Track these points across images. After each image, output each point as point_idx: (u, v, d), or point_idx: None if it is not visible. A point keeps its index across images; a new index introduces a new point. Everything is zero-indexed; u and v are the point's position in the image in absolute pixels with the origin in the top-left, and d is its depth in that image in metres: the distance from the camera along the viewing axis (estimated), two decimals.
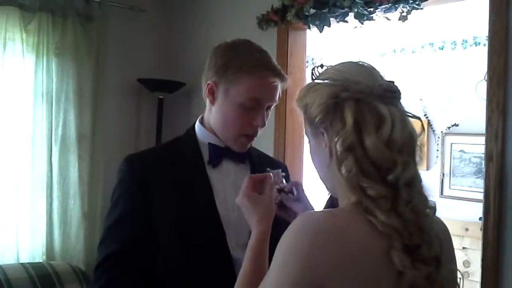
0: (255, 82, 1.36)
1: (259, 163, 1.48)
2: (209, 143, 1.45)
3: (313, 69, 1.06)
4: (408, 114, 0.99)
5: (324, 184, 1.09)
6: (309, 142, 1.09)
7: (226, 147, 1.46)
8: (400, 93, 1.00)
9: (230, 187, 1.43)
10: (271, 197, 1.26)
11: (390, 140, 0.93)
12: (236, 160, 1.47)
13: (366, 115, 0.95)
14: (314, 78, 1.05)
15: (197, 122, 1.51)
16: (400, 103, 1.00)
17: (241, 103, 1.37)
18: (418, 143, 0.98)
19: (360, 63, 1.04)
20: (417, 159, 0.98)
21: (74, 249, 3.10)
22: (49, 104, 3.05)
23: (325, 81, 1.01)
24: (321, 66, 1.06)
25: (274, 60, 1.42)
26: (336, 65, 1.06)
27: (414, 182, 0.95)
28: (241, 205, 1.26)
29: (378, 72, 1.03)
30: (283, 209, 1.36)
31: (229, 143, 1.44)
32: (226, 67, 1.38)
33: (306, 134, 1.09)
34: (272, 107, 1.45)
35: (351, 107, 0.95)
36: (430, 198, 0.98)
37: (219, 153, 1.45)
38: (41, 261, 2.97)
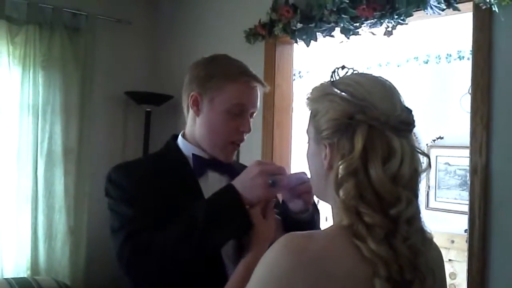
0: (238, 88, 1.41)
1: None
2: (193, 154, 1.46)
3: (334, 70, 1.01)
4: (417, 150, 0.96)
5: (314, 188, 1.09)
6: (308, 142, 1.06)
7: (210, 159, 1.46)
8: (414, 126, 0.96)
9: None
10: (273, 222, 1.34)
11: (397, 175, 0.91)
12: (220, 171, 1.48)
13: (376, 144, 0.91)
14: (332, 81, 1.00)
15: (180, 137, 1.52)
16: (411, 135, 0.96)
17: (227, 110, 1.41)
18: (421, 177, 0.96)
19: (382, 80, 1.00)
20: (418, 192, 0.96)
21: (59, 264, 3.06)
22: (35, 117, 3.03)
23: (343, 93, 0.96)
24: (343, 67, 1.01)
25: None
26: (358, 76, 1.00)
27: (415, 219, 0.92)
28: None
29: (399, 95, 0.99)
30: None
31: (216, 153, 1.45)
32: (209, 77, 1.42)
33: (307, 133, 1.06)
34: (254, 115, 1.48)
35: (363, 132, 0.92)
36: (426, 230, 0.96)
37: (203, 164, 1.46)
38: (25, 276, 2.93)
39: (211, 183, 1.45)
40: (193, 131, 1.48)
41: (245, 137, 1.47)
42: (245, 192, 1.29)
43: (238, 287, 1.18)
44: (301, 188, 1.37)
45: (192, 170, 1.45)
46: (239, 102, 1.41)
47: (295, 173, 1.39)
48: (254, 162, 1.33)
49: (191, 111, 1.47)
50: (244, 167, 1.60)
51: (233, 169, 1.50)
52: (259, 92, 1.46)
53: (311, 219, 1.44)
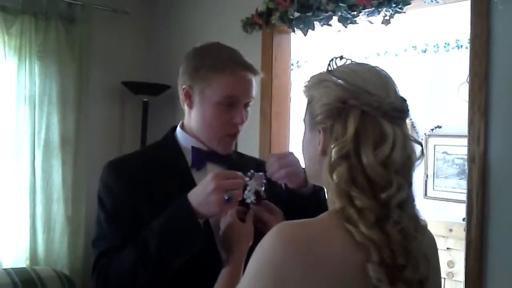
0: (227, 78, 1.37)
1: (240, 166, 1.46)
2: (192, 146, 1.45)
3: (332, 59, 1.02)
4: (410, 138, 0.97)
5: (308, 174, 1.10)
6: (304, 129, 1.08)
7: (209, 151, 1.46)
8: (408, 114, 0.98)
9: None
10: (251, 225, 1.36)
11: (388, 160, 0.92)
12: (219, 163, 1.47)
13: (368, 128, 0.93)
14: (329, 69, 1.02)
15: (178, 128, 1.51)
16: (405, 124, 0.98)
17: (218, 101, 1.38)
18: (415, 165, 0.96)
19: (378, 69, 1.01)
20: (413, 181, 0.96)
21: (58, 254, 3.07)
22: (32, 108, 3.02)
23: (338, 80, 0.98)
24: (341, 58, 1.02)
25: (245, 57, 1.43)
26: (354, 65, 1.02)
27: (407, 204, 0.93)
28: (226, 229, 1.34)
29: (394, 85, 1.00)
30: (261, 223, 1.39)
31: (213, 145, 1.45)
32: (197, 68, 1.40)
33: (303, 121, 1.07)
34: (250, 104, 1.45)
35: (355, 117, 0.93)
36: (420, 217, 0.97)
37: (202, 156, 1.45)
38: (24, 266, 2.93)
39: None
40: (189, 123, 1.48)
41: (240, 128, 1.44)
42: (200, 207, 1.25)
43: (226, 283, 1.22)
44: (275, 177, 1.40)
45: (187, 164, 1.44)
46: (229, 93, 1.38)
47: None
48: (210, 176, 1.27)
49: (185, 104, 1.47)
50: (242, 156, 1.60)
51: (232, 160, 1.49)
52: (254, 80, 1.42)
53: (314, 192, 1.43)
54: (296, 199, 1.45)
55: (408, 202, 0.94)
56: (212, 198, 1.24)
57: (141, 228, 1.31)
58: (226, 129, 1.42)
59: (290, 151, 1.41)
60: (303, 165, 1.35)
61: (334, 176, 0.93)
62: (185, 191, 1.32)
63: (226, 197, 1.25)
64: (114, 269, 1.31)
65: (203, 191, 1.26)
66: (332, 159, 0.94)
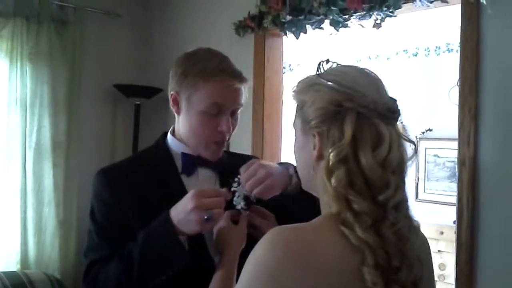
0: (213, 87, 1.35)
1: (231, 168, 1.44)
2: (182, 152, 1.45)
3: (320, 63, 1.01)
4: (403, 137, 0.98)
5: (302, 179, 1.09)
6: (295, 135, 1.07)
7: (199, 156, 1.45)
8: (400, 114, 0.98)
9: None
10: (244, 228, 1.36)
11: (385, 161, 0.92)
12: (210, 167, 1.47)
13: (365, 131, 0.93)
14: (318, 73, 1.01)
15: (169, 133, 1.51)
16: (397, 124, 0.98)
17: (203, 110, 1.37)
18: (408, 165, 0.97)
19: (368, 71, 1.01)
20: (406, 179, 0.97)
21: (49, 257, 3.05)
22: (23, 111, 3.00)
23: (330, 83, 0.97)
24: (327, 61, 1.02)
25: (234, 64, 1.41)
26: (343, 67, 1.02)
27: (402, 205, 0.94)
28: (219, 232, 1.35)
29: (384, 86, 1.00)
30: (252, 228, 1.38)
31: (201, 151, 1.44)
32: (184, 75, 1.39)
33: (293, 126, 1.06)
34: (239, 111, 1.44)
35: (352, 119, 0.93)
36: (413, 217, 0.97)
37: (192, 162, 1.44)
38: (15, 270, 2.92)
39: (202, 181, 1.45)
40: (178, 129, 1.47)
41: (227, 136, 1.42)
42: (180, 225, 1.25)
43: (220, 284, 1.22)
44: (258, 193, 1.34)
45: (178, 170, 1.44)
46: (215, 101, 1.36)
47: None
48: (191, 193, 1.26)
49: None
50: (232, 156, 1.58)
51: (223, 164, 1.49)
52: (243, 87, 1.40)
53: (297, 191, 1.37)
54: (285, 202, 1.43)
55: (403, 203, 0.94)
56: (192, 217, 1.23)
57: (131, 236, 1.31)
58: (212, 136, 1.41)
59: (256, 160, 1.38)
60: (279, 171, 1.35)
61: (333, 180, 0.93)
62: (175, 197, 1.31)
63: (206, 217, 1.24)
64: (102, 281, 1.32)
65: (184, 209, 1.25)
66: (331, 163, 0.93)
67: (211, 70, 1.36)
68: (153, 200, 1.36)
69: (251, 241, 1.07)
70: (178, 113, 1.44)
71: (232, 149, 1.51)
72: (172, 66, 1.45)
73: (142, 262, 1.26)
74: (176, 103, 1.43)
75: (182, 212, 1.25)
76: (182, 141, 1.46)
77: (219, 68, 1.37)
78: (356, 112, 0.93)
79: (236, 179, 1.39)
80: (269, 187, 1.34)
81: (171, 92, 1.44)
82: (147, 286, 1.27)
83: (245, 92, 1.42)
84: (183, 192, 1.34)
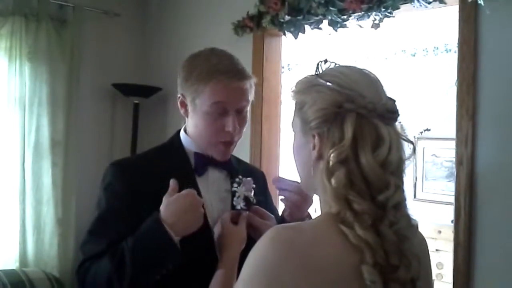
0: (212, 88, 1.36)
1: (237, 172, 1.48)
2: (195, 152, 1.46)
3: (318, 63, 1.02)
4: (402, 137, 0.98)
5: (301, 179, 1.10)
6: (294, 135, 1.07)
7: (210, 156, 1.46)
8: (399, 115, 0.99)
9: (215, 195, 1.45)
10: (244, 228, 1.37)
11: (386, 161, 0.92)
12: (220, 168, 1.48)
13: (365, 131, 0.93)
14: (317, 74, 1.01)
15: (182, 131, 1.51)
16: (395, 124, 0.98)
17: (206, 111, 1.38)
18: (406, 164, 0.97)
19: (367, 72, 1.02)
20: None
21: (48, 255, 3.05)
22: (22, 109, 3.00)
23: (329, 84, 0.98)
24: (325, 61, 1.02)
25: (236, 62, 1.41)
26: (342, 68, 1.02)
27: (401, 205, 0.94)
28: (219, 233, 1.37)
29: (382, 86, 1.01)
30: (252, 228, 1.39)
31: (210, 152, 1.45)
32: (186, 79, 1.40)
33: (292, 126, 1.07)
34: (246, 109, 1.43)
35: (352, 121, 0.93)
36: (412, 217, 0.98)
37: (204, 162, 1.46)
38: (14, 268, 2.92)
39: (211, 181, 1.47)
40: (189, 130, 1.49)
41: (236, 136, 1.43)
42: (180, 224, 1.26)
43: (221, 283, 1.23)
44: (284, 194, 1.46)
45: (192, 170, 1.45)
46: (215, 101, 1.36)
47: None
48: (186, 193, 1.29)
49: None
50: (239, 162, 1.60)
51: (231, 166, 1.50)
52: (247, 84, 1.40)
53: None
54: None
55: (402, 202, 0.95)
56: (197, 214, 1.28)
57: (132, 232, 1.31)
58: (219, 137, 1.41)
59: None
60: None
61: (333, 181, 0.93)
62: None
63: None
64: (92, 277, 1.32)
65: (181, 207, 1.27)
66: (331, 163, 0.93)
67: (207, 73, 1.36)
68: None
69: (251, 242, 1.08)
70: (187, 115, 1.46)
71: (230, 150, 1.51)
72: (179, 69, 1.45)
73: (134, 262, 1.26)
74: (184, 105, 1.44)
75: (181, 211, 1.27)
76: (194, 141, 1.47)
77: (215, 69, 1.36)
78: (356, 113, 0.94)
79: (237, 180, 1.40)
80: (300, 206, 1.47)
81: (178, 95, 1.45)
82: (142, 284, 1.28)
83: (251, 89, 1.42)
84: (196, 190, 1.35)
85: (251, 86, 1.42)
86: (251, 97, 1.43)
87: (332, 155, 0.94)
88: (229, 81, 1.36)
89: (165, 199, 1.30)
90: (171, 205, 1.28)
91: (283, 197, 1.47)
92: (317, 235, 0.92)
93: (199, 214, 1.28)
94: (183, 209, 1.26)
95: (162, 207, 1.29)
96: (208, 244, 1.37)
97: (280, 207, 1.62)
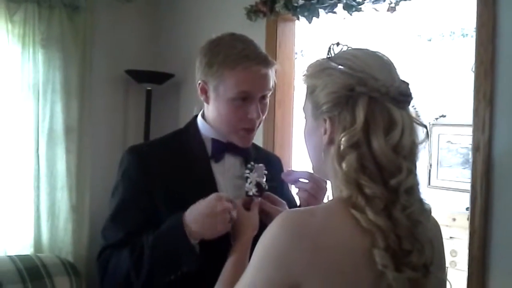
0: (239, 75, 1.34)
1: (256, 159, 1.48)
2: (212, 138, 1.46)
3: (330, 47, 1.01)
4: (415, 121, 0.97)
5: (312, 164, 1.09)
6: (305, 119, 1.06)
7: (228, 142, 1.46)
8: (412, 98, 0.97)
9: (230, 182, 1.45)
10: (256, 214, 1.36)
11: (398, 145, 0.91)
12: (237, 154, 1.48)
13: (377, 115, 0.92)
14: (329, 57, 1.00)
15: (199, 117, 1.51)
16: (409, 107, 0.97)
17: (231, 98, 1.37)
18: (419, 148, 0.96)
19: (379, 54, 1.00)
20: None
21: (62, 241, 3.08)
22: (36, 96, 3.02)
23: (341, 67, 0.96)
24: (337, 44, 1.01)
25: (259, 48, 1.40)
26: (354, 51, 1.01)
27: (414, 189, 0.93)
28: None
29: (395, 69, 0.99)
30: (264, 214, 1.39)
31: (232, 138, 1.44)
32: (210, 65, 1.38)
33: (303, 110, 1.06)
34: (269, 95, 1.43)
35: (364, 104, 0.92)
36: (425, 201, 0.96)
37: (221, 148, 1.45)
38: (29, 253, 2.95)
39: (227, 167, 1.47)
40: (208, 115, 1.47)
41: (257, 123, 1.42)
42: (203, 229, 1.27)
43: (230, 281, 1.21)
44: (300, 185, 1.44)
45: (208, 155, 1.44)
46: (242, 89, 1.35)
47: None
48: (213, 196, 1.29)
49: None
50: (258, 150, 1.60)
51: (248, 152, 1.50)
52: (270, 72, 1.39)
53: None
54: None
55: (415, 187, 0.94)
56: (218, 219, 1.27)
57: (148, 219, 1.33)
58: (242, 124, 1.41)
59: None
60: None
61: (344, 165, 0.92)
62: (204, 182, 1.35)
63: (230, 218, 1.29)
64: (113, 268, 1.34)
65: (210, 213, 1.27)
66: (342, 148, 0.92)
67: (234, 58, 1.34)
68: (182, 183, 1.37)
69: (263, 228, 1.07)
70: (207, 102, 1.44)
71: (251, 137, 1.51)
72: (198, 54, 1.43)
73: (151, 261, 1.27)
74: (204, 92, 1.43)
75: (206, 215, 1.26)
76: (212, 127, 1.46)
77: (243, 54, 1.35)
78: (368, 97, 0.92)
79: (249, 166, 1.39)
80: (314, 197, 1.43)
81: (199, 81, 1.43)
82: (155, 283, 1.29)
83: (273, 76, 1.41)
84: (211, 177, 1.37)
85: (272, 73, 1.41)
86: (272, 84, 1.42)
87: (343, 139, 0.93)
88: (256, 68, 1.35)
89: (198, 202, 1.30)
90: (197, 210, 1.28)
91: (297, 189, 1.46)
92: (328, 219, 0.91)
93: (225, 218, 1.28)
94: (211, 213, 1.26)
95: (189, 209, 1.29)
96: (227, 249, 1.35)
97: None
